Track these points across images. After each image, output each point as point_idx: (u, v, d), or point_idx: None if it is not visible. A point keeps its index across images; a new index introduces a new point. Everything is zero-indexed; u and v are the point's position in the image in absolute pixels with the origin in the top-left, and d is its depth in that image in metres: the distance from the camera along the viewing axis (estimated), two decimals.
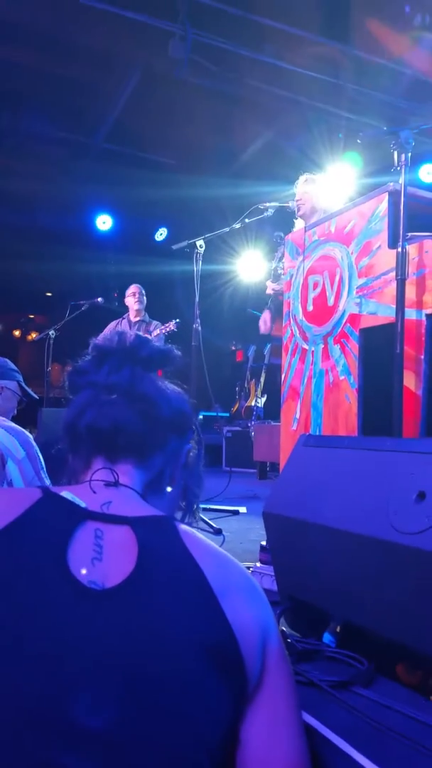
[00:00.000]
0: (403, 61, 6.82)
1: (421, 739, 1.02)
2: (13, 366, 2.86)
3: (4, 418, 2.57)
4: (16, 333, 16.15)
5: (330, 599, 1.53)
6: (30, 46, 6.68)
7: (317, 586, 1.58)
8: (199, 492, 1.24)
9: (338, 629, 1.47)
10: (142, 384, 1.08)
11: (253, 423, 8.48)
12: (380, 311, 3.02)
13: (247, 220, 4.71)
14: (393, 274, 2.84)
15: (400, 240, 2.77)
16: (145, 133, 8.50)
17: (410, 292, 2.85)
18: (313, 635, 1.53)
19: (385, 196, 3.06)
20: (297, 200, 4.71)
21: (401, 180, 2.82)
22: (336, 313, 3.32)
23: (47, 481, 2.46)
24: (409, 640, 1.28)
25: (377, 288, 3.05)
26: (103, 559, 0.87)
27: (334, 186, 5.06)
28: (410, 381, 2.82)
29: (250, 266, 8.02)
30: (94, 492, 0.99)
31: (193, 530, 0.97)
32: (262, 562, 2.25)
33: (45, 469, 2.50)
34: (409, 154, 2.84)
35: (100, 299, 7.56)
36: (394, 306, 2.77)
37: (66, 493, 0.96)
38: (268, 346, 6.76)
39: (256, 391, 9.09)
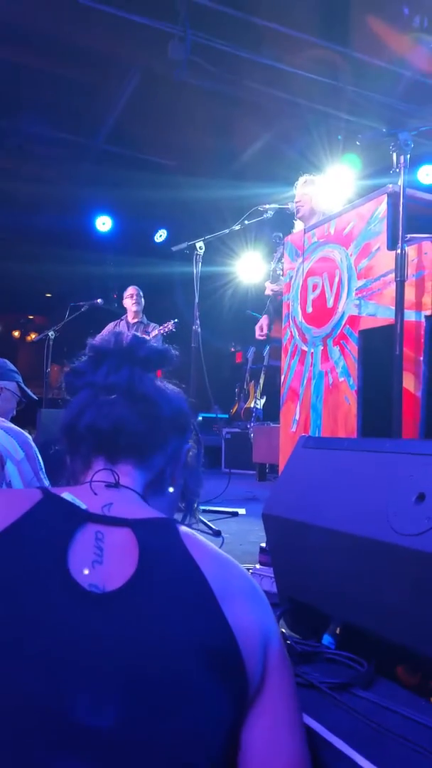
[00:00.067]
0: (402, 62, 6.82)
1: (421, 740, 1.02)
2: (12, 367, 2.86)
3: (3, 419, 2.57)
4: (16, 334, 16.17)
5: (329, 601, 1.53)
6: (30, 48, 6.69)
7: (317, 587, 1.58)
8: (199, 491, 1.24)
9: (338, 631, 1.47)
10: (142, 384, 1.08)
11: (252, 424, 8.49)
12: (379, 313, 3.02)
13: (246, 222, 4.71)
14: (392, 275, 2.84)
15: (399, 242, 2.77)
16: (145, 135, 8.51)
17: (409, 294, 2.85)
18: (313, 637, 1.53)
19: (384, 198, 3.06)
20: (296, 202, 4.71)
21: (400, 182, 2.82)
22: (335, 314, 3.32)
23: (46, 482, 2.46)
24: (409, 641, 1.28)
25: (376, 290, 3.05)
26: (103, 562, 0.87)
27: (333, 188, 5.06)
28: (409, 382, 2.82)
29: (249, 268, 8.04)
30: (95, 493, 0.99)
31: (194, 532, 0.97)
32: (261, 563, 2.25)
33: (44, 469, 2.50)
34: (408, 156, 2.84)
35: (99, 300, 7.57)
36: (394, 307, 2.77)
37: (66, 495, 0.96)
38: (268, 347, 6.76)
39: (255, 392, 9.09)
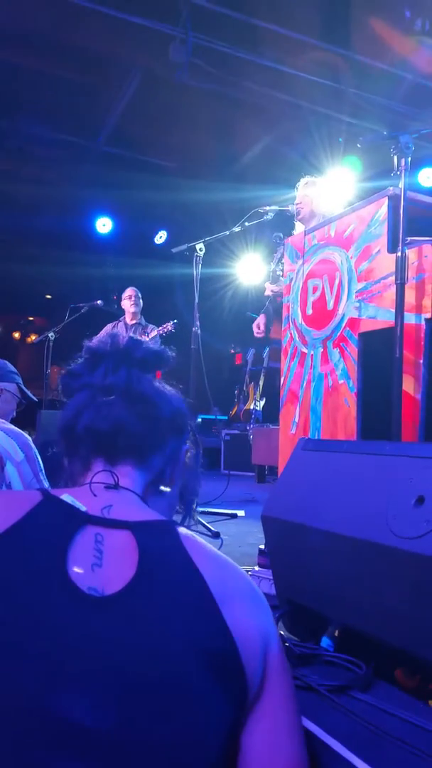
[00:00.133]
0: (404, 65, 6.83)
1: (419, 743, 1.02)
2: (12, 368, 2.86)
3: (3, 421, 2.57)
4: (16, 335, 16.17)
5: (328, 603, 1.53)
6: (30, 49, 6.69)
7: (316, 590, 1.58)
8: (198, 492, 1.24)
9: (337, 633, 1.47)
10: (141, 385, 1.08)
11: (251, 426, 8.49)
12: (379, 315, 3.02)
13: (246, 224, 4.71)
14: (392, 278, 2.84)
15: (400, 244, 2.77)
16: (146, 137, 8.52)
17: (410, 297, 2.85)
18: (312, 639, 1.53)
19: (385, 201, 3.07)
20: (297, 203, 4.71)
21: (401, 184, 2.82)
22: (335, 317, 3.32)
23: (46, 484, 2.46)
24: (407, 644, 1.28)
25: (377, 292, 3.06)
26: (103, 565, 0.87)
27: (334, 190, 5.06)
28: (409, 385, 2.82)
29: (249, 269, 8.04)
30: (95, 495, 0.99)
31: (194, 534, 0.97)
32: (260, 565, 2.25)
33: (44, 471, 2.50)
34: (409, 159, 2.84)
35: (99, 302, 7.57)
36: (394, 310, 2.77)
37: (66, 496, 0.95)
38: (267, 349, 6.77)
39: (254, 394, 9.10)
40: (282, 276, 4.33)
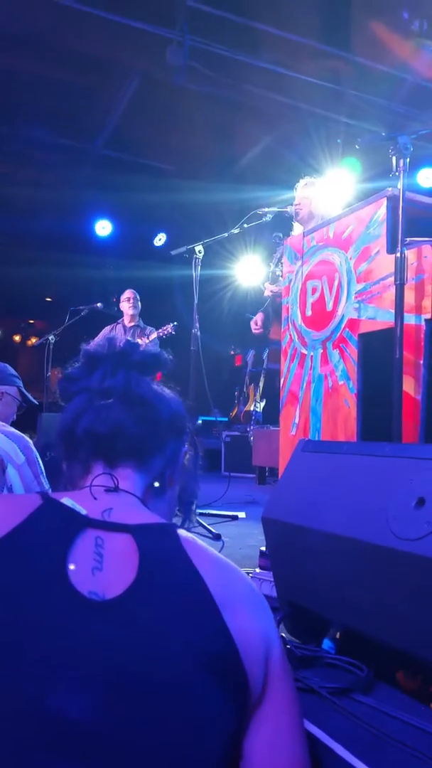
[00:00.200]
0: (403, 67, 6.83)
1: (420, 746, 1.02)
2: (13, 371, 2.86)
3: (3, 424, 2.57)
4: (16, 338, 16.15)
5: (329, 605, 1.53)
6: (28, 53, 6.70)
7: (316, 591, 1.57)
8: (197, 493, 1.24)
9: (338, 635, 1.47)
10: (139, 387, 1.09)
11: (252, 428, 8.48)
12: (379, 316, 3.02)
13: (245, 226, 4.71)
14: (392, 279, 2.84)
15: (399, 245, 2.77)
16: (144, 139, 8.52)
17: (409, 297, 2.85)
18: (313, 641, 1.53)
19: (384, 202, 3.07)
20: (296, 204, 4.71)
21: (400, 185, 2.82)
22: (335, 318, 3.32)
23: (47, 486, 2.46)
24: (408, 646, 1.28)
25: (376, 293, 3.05)
26: (103, 569, 0.86)
27: (333, 191, 5.06)
28: (409, 386, 2.82)
29: (248, 271, 8.03)
30: (95, 498, 0.98)
31: (195, 537, 0.96)
32: (261, 567, 2.25)
33: (44, 473, 2.50)
34: (408, 160, 2.84)
35: (99, 304, 7.58)
36: (393, 311, 2.77)
37: (66, 500, 0.95)
38: (267, 350, 6.77)
39: (255, 395, 9.09)
40: (281, 277, 4.33)
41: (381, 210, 3.08)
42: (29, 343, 15.20)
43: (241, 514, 4.84)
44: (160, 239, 11.09)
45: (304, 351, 3.57)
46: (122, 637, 0.80)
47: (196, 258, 4.69)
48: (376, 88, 7.08)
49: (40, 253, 10.98)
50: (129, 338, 1.17)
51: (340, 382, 3.23)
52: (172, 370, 1.21)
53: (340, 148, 7.58)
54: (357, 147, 3.93)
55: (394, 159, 2.85)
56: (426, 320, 2.83)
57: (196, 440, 1.22)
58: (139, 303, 7.06)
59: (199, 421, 10.42)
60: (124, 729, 0.74)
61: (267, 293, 5.13)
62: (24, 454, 2.43)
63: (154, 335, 6.74)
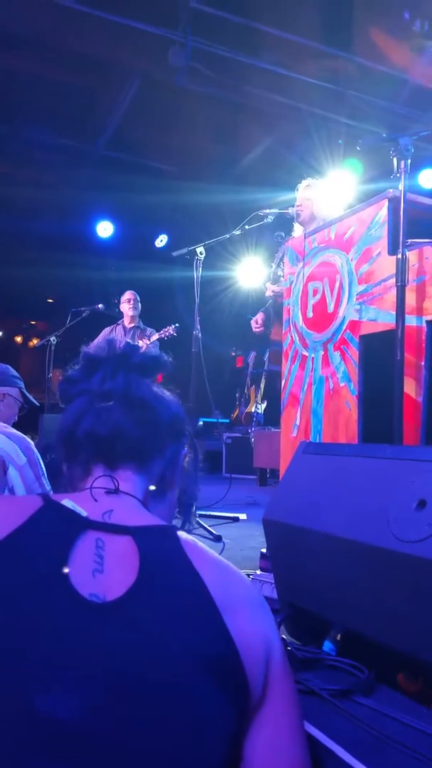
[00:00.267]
0: (404, 68, 6.84)
1: (421, 748, 1.02)
2: (14, 372, 2.87)
3: (5, 425, 2.58)
4: (18, 339, 16.19)
5: (330, 607, 1.53)
6: (30, 54, 6.70)
7: (317, 593, 1.57)
8: (197, 495, 1.25)
9: (339, 637, 1.47)
10: (139, 390, 1.09)
11: (253, 429, 8.48)
12: (380, 318, 3.02)
13: (247, 227, 4.71)
14: (393, 280, 2.84)
15: (400, 246, 2.77)
16: (146, 140, 8.53)
17: (410, 299, 2.85)
18: (314, 643, 1.53)
19: (385, 203, 3.07)
20: (297, 206, 4.71)
21: (401, 186, 2.83)
22: (336, 319, 3.32)
23: (48, 487, 2.46)
24: (409, 648, 1.28)
25: (377, 294, 3.06)
26: (104, 571, 0.86)
27: (334, 193, 5.06)
28: (411, 388, 2.82)
29: (250, 272, 8.04)
30: (95, 500, 0.99)
31: (195, 539, 0.96)
32: (262, 569, 2.25)
33: (46, 475, 2.50)
34: (409, 161, 2.84)
35: (100, 306, 7.58)
36: (394, 312, 2.77)
37: (67, 501, 0.95)
38: (268, 351, 6.77)
39: (256, 397, 9.10)
40: (283, 277, 4.34)
41: (382, 211, 3.08)
42: (30, 344, 15.24)
43: (242, 516, 4.83)
44: (161, 240, 11.09)
45: (305, 353, 3.57)
46: (122, 639, 0.80)
47: (197, 259, 4.69)
48: (378, 89, 7.09)
49: (41, 254, 10.99)
50: (129, 340, 1.18)
51: (341, 384, 3.23)
52: (173, 372, 1.21)
53: (341, 149, 7.58)
54: (358, 148, 3.94)
55: (395, 160, 2.86)
56: (427, 322, 2.83)
57: (195, 442, 1.22)
58: (139, 304, 7.07)
59: (201, 423, 10.43)
60: (124, 731, 0.74)
61: (268, 293, 5.13)
62: (25, 455, 2.44)
63: (155, 337, 6.74)
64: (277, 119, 7.61)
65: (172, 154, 8.81)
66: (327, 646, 1.46)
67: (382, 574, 1.32)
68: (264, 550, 2.26)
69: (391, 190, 3.02)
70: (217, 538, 3.84)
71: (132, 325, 7.03)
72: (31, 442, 2.51)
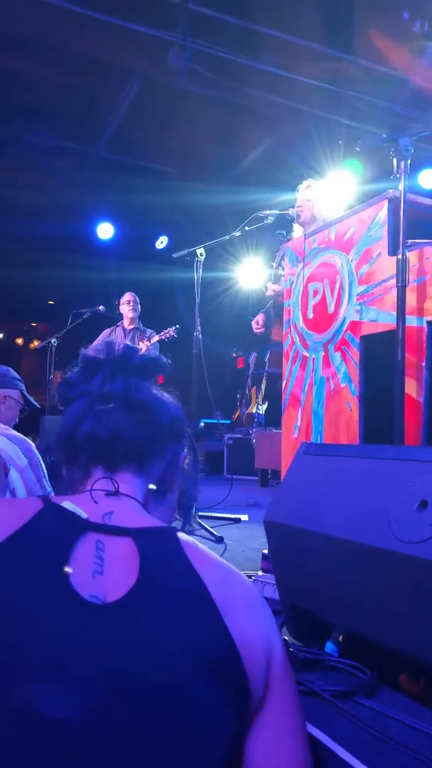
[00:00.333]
0: (404, 68, 6.84)
1: (423, 749, 1.01)
2: (15, 374, 2.87)
3: (6, 427, 2.58)
4: (19, 341, 16.21)
5: (332, 608, 1.53)
6: (30, 56, 6.71)
7: (319, 594, 1.57)
8: (197, 497, 1.25)
9: (341, 638, 1.47)
10: (139, 392, 1.09)
11: (254, 430, 8.47)
12: (381, 318, 3.02)
13: (247, 228, 4.71)
14: (393, 281, 2.84)
15: (400, 247, 2.77)
16: (146, 142, 8.53)
17: (411, 299, 2.85)
18: (316, 644, 1.53)
19: (385, 203, 3.07)
20: (297, 206, 4.72)
21: (401, 187, 2.83)
22: (336, 320, 3.32)
23: (49, 489, 2.46)
24: (411, 649, 1.27)
25: (378, 295, 3.06)
26: (104, 572, 0.87)
27: (334, 195, 5.06)
28: (412, 388, 2.82)
29: (250, 273, 8.03)
30: (96, 502, 0.99)
31: (195, 541, 0.96)
32: (263, 570, 2.25)
33: (47, 476, 2.50)
34: (409, 161, 2.84)
35: (101, 307, 7.59)
36: (395, 313, 2.77)
37: (67, 504, 0.95)
38: (268, 353, 6.77)
39: (257, 398, 9.08)
40: (283, 279, 4.34)
41: (382, 212, 3.08)
42: (31, 346, 15.24)
43: (244, 517, 4.83)
44: (162, 242, 11.10)
45: (306, 353, 3.57)
46: (123, 640, 0.80)
47: (197, 260, 4.69)
48: (378, 89, 7.09)
49: (42, 256, 11.00)
50: (129, 341, 1.18)
51: (342, 385, 3.23)
52: (174, 373, 1.21)
53: (341, 149, 7.58)
54: (357, 149, 3.94)
55: (395, 161, 2.86)
56: (428, 322, 2.83)
57: (195, 444, 1.22)
58: (139, 306, 7.07)
59: (202, 424, 10.42)
60: (124, 732, 0.74)
61: (269, 293, 5.13)
62: (26, 457, 2.43)
63: (155, 338, 6.74)
64: (277, 120, 7.62)
65: (172, 155, 8.82)
66: (329, 647, 1.46)
67: (384, 575, 1.31)
68: (266, 551, 2.26)
69: (391, 191, 3.02)
70: (219, 540, 3.84)
71: (132, 326, 7.03)
72: (32, 444, 2.51)
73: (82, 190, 9.54)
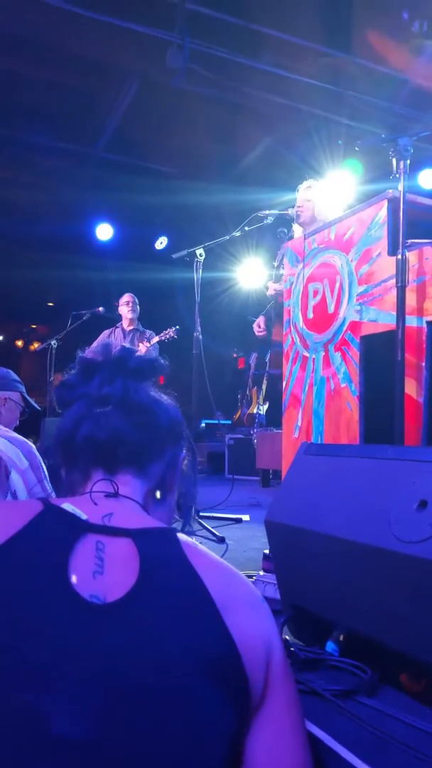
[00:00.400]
0: (403, 68, 6.83)
1: (425, 748, 1.02)
2: (15, 377, 2.87)
3: (6, 429, 2.58)
4: (19, 343, 16.22)
5: (333, 608, 1.53)
6: (28, 57, 6.72)
7: (320, 594, 1.57)
8: (196, 498, 1.25)
9: (342, 638, 1.47)
10: (138, 394, 1.09)
11: (255, 430, 8.48)
12: (381, 318, 3.03)
13: (247, 228, 4.72)
14: (393, 281, 2.85)
15: (400, 247, 2.78)
16: (145, 142, 8.53)
17: (410, 299, 2.86)
18: (317, 644, 1.53)
19: (385, 203, 3.07)
20: (298, 207, 4.72)
21: (400, 187, 2.83)
22: (336, 320, 3.32)
23: (50, 491, 2.46)
24: (411, 648, 1.28)
25: (377, 295, 3.06)
26: (104, 573, 0.87)
27: (334, 195, 5.07)
28: (411, 388, 2.82)
29: (250, 273, 8.04)
30: (95, 503, 0.99)
31: (195, 542, 0.97)
32: (265, 570, 2.25)
33: (48, 478, 2.50)
34: (408, 161, 2.84)
35: (101, 309, 7.60)
36: (395, 313, 2.77)
37: (67, 505, 0.96)
38: (269, 353, 6.78)
39: (257, 398, 9.10)
40: (284, 279, 4.34)
41: (382, 212, 3.09)
42: (31, 348, 15.27)
43: (245, 517, 4.83)
44: (161, 242, 11.09)
45: (306, 354, 3.57)
46: (123, 640, 0.80)
47: (197, 261, 4.69)
48: (377, 89, 7.09)
49: (42, 258, 11.01)
50: (128, 342, 1.18)
51: (342, 385, 3.23)
52: (175, 374, 1.21)
53: (341, 149, 7.58)
54: (357, 149, 3.94)
55: (394, 161, 2.86)
56: (428, 322, 2.84)
57: (193, 445, 1.23)
58: (138, 307, 7.07)
59: (203, 425, 10.42)
60: (125, 732, 0.74)
61: (270, 292, 5.12)
62: (27, 459, 2.43)
63: (154, 339, 6.74)
64: (276, 120, 7.62)
65: (171, 155, 8.82)
66: (330, 646, 1.47)
67: (384, 574, 1.32)
68: (267, 551, 2.26)
69: (390, 191, 3.02)
70: (221, 540, 3.84)
71: (131, 327, 7.03)
72: (33, 446, 2.51)
73: (82, 191, 9.55)
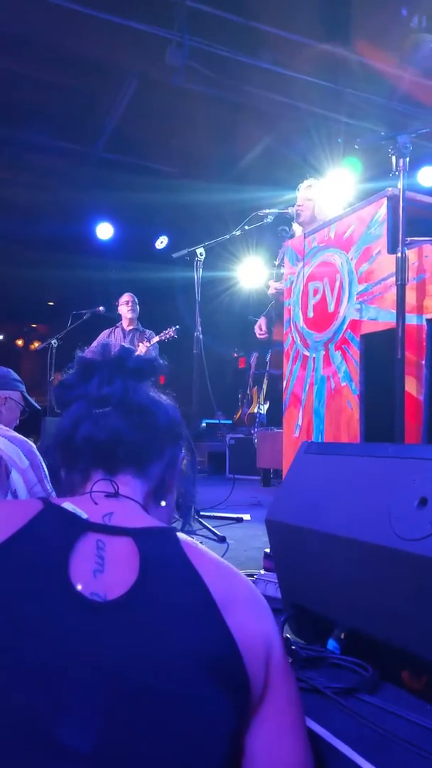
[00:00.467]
0: (402, 64, 6.82)
1: (426, 745, 1.02)
2: (16, 376, 2.87)
3: (7, 428, 2.58)
4: (19, 342, 16.22)
5: (334, 606, 1.53)
6: (27, 56, 6.70)
7: (320, 593, 1.58)
8: (195, 498, 1.25)
9: (343, 636, 1.47)
10: (137, 395, 1.09)
11: (256, 430, 8.48)
12: (381, 317, 3.03)
13: (247, 227, 4.71)
14: (393, 279, 2.85)
15: (400, 245, 2.77)
16: (145, 141, 8.53)
17: (410, 297, 2.86)
18: (318, 642, 1.53)
19: (384, 201, 3.07)
20: (298, 206, 4.71)
21: (400, 185, 2.83)
22: (336, 319, 3.32)
23: (51, 490, 2.46)
24: (413, 646, 1.28)
25: (377, 293, 3.06)
26: (105, 571, 0.87)
27: (335, 195, 5.06)
28: (412, 386, 2.82)
29: (250, 273, 8.04)
30: (96, 503, 0.99)
31: (195, 541, 0.97)
32: (266, 569, 2.25)
33: (48, 478, 2.50)
34: (407, 159, 2.84)
35: (101, 308, 7.59)
36: (395, 311, 2.77)
37: (67, 504, 0.96)
38: (270, 353, 6.78)
39: (258, 397, 9.09)
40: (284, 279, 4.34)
41: (381, 210, 3.08)
42: (32, 347, 15.27)
43: (246, 517, 4.83)
44: (161, 242, 11.09)
45: (306, 353, 3.57)
46: (123, 638, 0.80)
47: (197, 260, 4.69)
48: (376, 86, 7.07)
49: (42, 257, 11.01)
50: (128, 342, 1.18)
51: (343, 384, 3.23)
52: (175, 374, 1.21)
53: (340, 147, 7.57)
54: (356, 147, 3.94)
55: (394, 158, 2.85)
56: (428, 320, 2.83)
57: (192, 445, 1.23)
58: (138, 306, 7.06)
59: (203, 424, 10.42)
60: (125, 730, 0.74)
61: (271, 291, 5.12)
62: (28, 458, 2.43)
63: (154, 339, 6.73)
64: (276, 118, 7.61)
65: (171, 154, 8.81)
66: (331, 644, 1.47)
67: (384, 572, 1.32)
68: (268, 551, 2.26)
69: (390, 189, 3.02)
70: (221, 539, 3.83)
71: (131, 327, 7.02)
72: (33, 446, 2.51)
73: (82, 190, 9.54)
